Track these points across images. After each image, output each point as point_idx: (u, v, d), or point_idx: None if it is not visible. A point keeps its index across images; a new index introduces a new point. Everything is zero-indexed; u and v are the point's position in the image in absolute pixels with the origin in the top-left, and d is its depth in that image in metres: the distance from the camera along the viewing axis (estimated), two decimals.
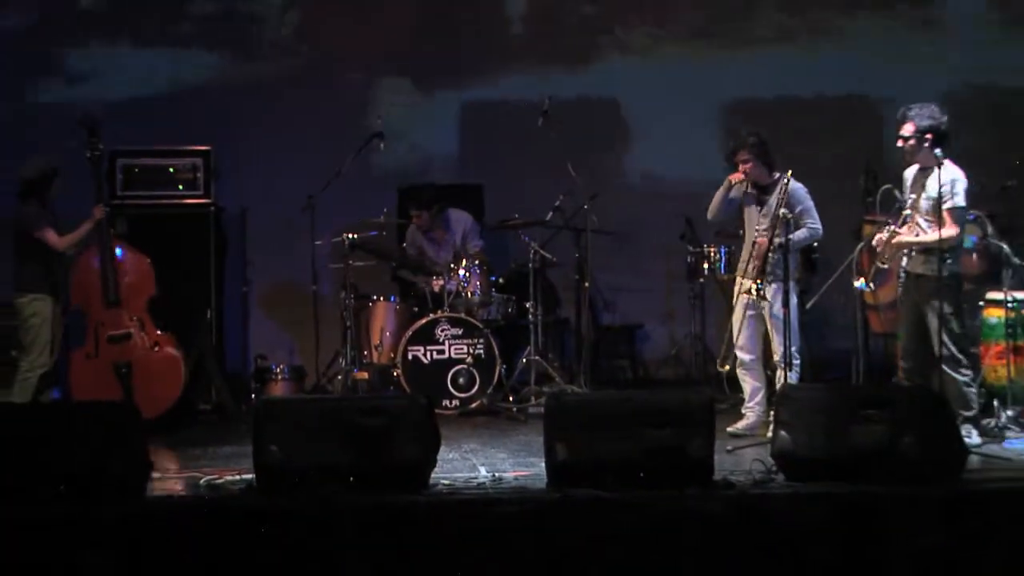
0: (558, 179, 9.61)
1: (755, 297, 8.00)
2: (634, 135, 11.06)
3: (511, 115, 10.62)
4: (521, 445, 7.84)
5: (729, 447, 7.43)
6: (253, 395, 9.63)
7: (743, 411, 8.31)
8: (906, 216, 7.73)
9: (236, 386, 9.97)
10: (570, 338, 10.74)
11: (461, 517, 5.96)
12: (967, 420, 7.46)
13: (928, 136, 7.62)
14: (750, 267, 8.18)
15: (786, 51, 10.96)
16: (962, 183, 7.56)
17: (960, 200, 7.54)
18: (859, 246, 8.12)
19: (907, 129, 7.69)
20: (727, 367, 8.39)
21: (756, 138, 8.20)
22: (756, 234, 8.18)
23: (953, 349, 7.60)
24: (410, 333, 9.38)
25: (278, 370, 9.75)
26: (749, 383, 8.31)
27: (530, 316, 9.60)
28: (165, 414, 8.63)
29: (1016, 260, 8.41)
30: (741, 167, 8.22)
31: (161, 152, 10.01)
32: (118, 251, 8.86)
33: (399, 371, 9.34)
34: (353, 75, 11.02)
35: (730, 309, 8.49)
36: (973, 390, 7.81)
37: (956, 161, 7.61)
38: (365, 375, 9.54)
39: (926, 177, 7.67)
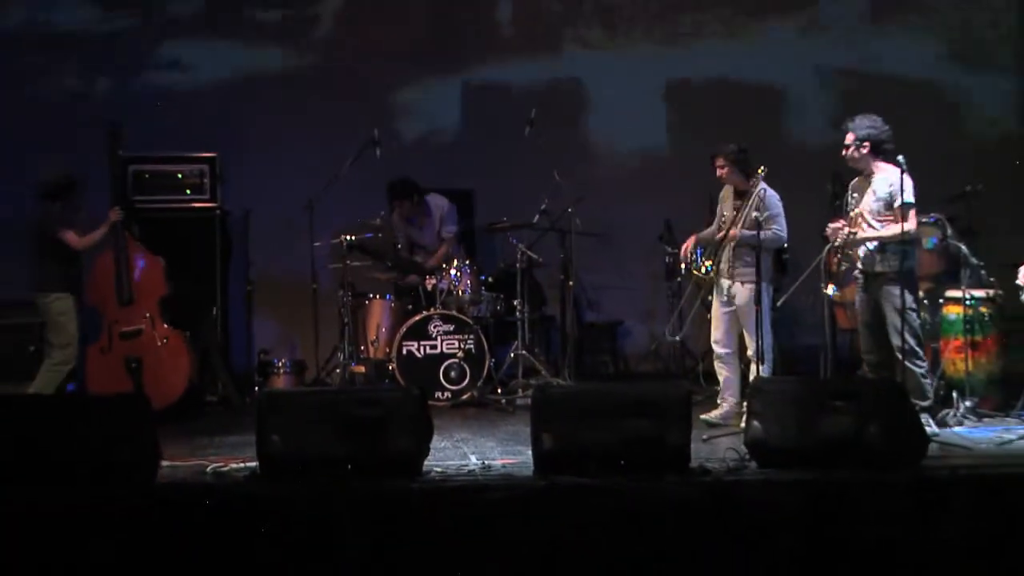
0: (544, 184, 9.63)
1: (700, 275, 8.20)
2: (593, 110, 11.19)
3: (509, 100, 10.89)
4: (509, 435, 7.83)
5: (705, 436, 7.43)
6: (256, 388, 9.60)
7: (719, 400, 8.34)
8: (855, 218, 7.81)
9: (240, 379, 9.96)
10: (555, 334, 10.74)
11: (453, 503, 5.96)
12: (923, 410, 7.49)
13: (866, 144, 7.77)
14: (723, 265, 8.23)
15: (710, 44, 11.20)
16: (907, 182, 7.63)
17: (909, 196, 7.61)
18: (826, 247, 8.14)
19: (848, 138, 7.84)
20: (677, 337, 8.47)
21: (735, 147, 8.24)
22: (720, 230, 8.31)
23: (912, 342, 7.63)
24: (404, 329, 9.38)
25: (280, 364, 9.73)
26: (724, 375, 8.34)
27: (518, 313, 9.60)
28: (174, 405, 8.63)
29: (974, 260, 8.44)
30: (718, 171, 8.27)
31: (170, 159, 9.99)
32: (135, 252, 8.87)
33: (394, 365, 9.33)
34: (353, 84, 11.01)
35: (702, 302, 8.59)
36: (928, 381, 7.85)
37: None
38: (362, 369, 9.53)
39: (869, 181, 7.80)
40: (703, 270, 8.29)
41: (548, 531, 5.82)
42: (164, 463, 6.39)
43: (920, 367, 7.73)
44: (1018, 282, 7.77)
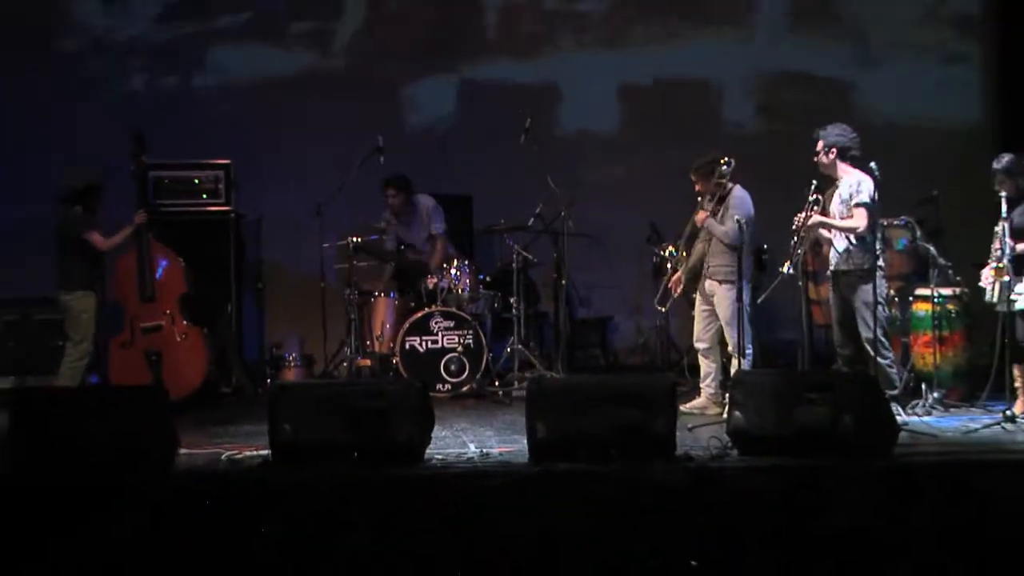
0: (539, 190, 9.64)
1: (664, 255, 8.55)
2: (564, 103, 11.24)
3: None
4: (506, 424, 7.82)
5: (690, 425, 7.41)
6: (268, 380, 9.61)
7: (701, 389, 8.41)
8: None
9: (253, 372, 9.96)
10: (549, 329, 10.74)
11: (453, 488, 5.96)
12: (892, 399, 7.49)
13: (833, 150, 7.85)
14: (705, 266, 8.28)
15: (656, 48, 11.34)
16: (867, 183, 7.71)
17: (864, 197, 7.68)
18: (792, 240, 8.14)
19: (818, 145, 7.92)
20: (665, 308, 8.74)
21: (701, 161, 8.26)
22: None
23: (879, 334, 7.65)
24: (407, 325, 9.37)
25: (290, 358, 9.76)
26: (704, 367, 8.40)
27: (514, 310, 9.59)
28: (191, 396, 8.63)
29: (941, 260, 8.45)
30: (696, 188, 8.31)
31: (187, 165, 9.96)
32: (158, 253, 8.89)
33: (398, 359, 9.32)
34: (358, 94, 11.00)
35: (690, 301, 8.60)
36: (895, 371, 7.86)
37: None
38: (367, 362, 9.53)
39: (835, 184, 7.89)
40: (667, 252, 8.49)
41: (543, 514, 5.82)
42: (182, 450, 6.40)
43: (887, 357, 7.77)
44: (981, 283, 7.79)
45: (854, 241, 7.76)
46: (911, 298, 8.58)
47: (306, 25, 11.19)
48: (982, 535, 5.80)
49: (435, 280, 9.62)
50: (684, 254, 8.43)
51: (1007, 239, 7.51)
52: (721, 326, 8.27)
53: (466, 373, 9.35)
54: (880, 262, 7.76)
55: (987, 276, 7.69)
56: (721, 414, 7.65)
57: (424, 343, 9.38)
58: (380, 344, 9.60)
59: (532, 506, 5.85)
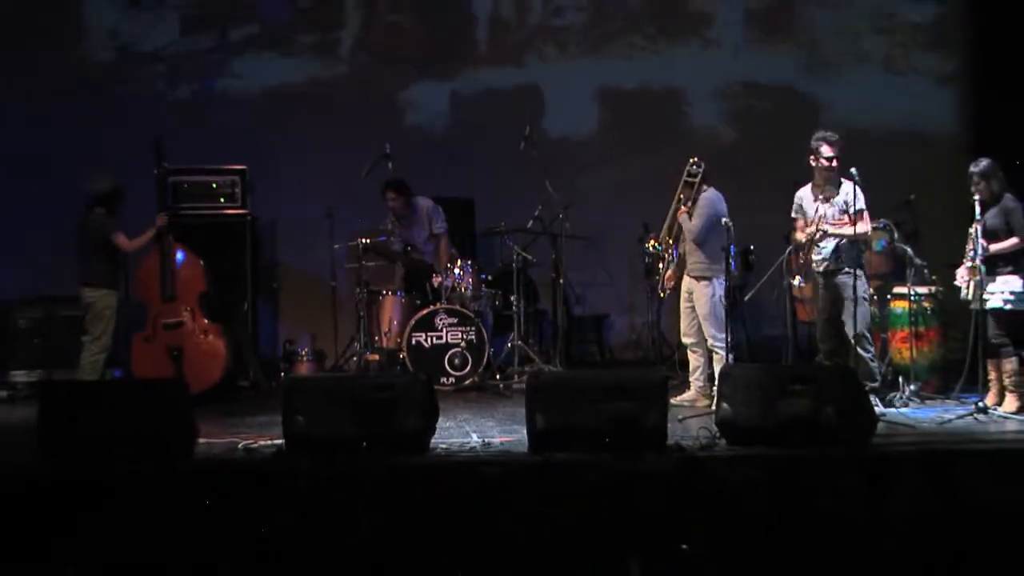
0: (537, 192, 9.65)
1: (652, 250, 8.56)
2: (548, 107, 11.21)
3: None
4: (507, 416, 7.82)
5: (680, 417, 7.43)
6: (282, 374, 9.61)
7: (690, 382, 8.42)
8: (818, 221, 7.87)
9: (268, 367, 9.97)
10: (547, 326, 10.73)
11: (456, 476, 5.96)
12: (872, 391, 7.50)
13: (836, 159, 7.85)
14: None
15: (633, 58, 11.39)
16: (857, 189, 7.69)
17: (862, 203, 7.68)
18: (788, 249, 8.16)
19: (827, 151, 7.85)
20: (664, 294, 8.71)
21: (686, 170, 8.27)
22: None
23: (863, 329, 7.66)
24: (413, 322, 9.37)
25: (303, 353, 9.75)
26: (692, 361, 8.40)
27: (514, 308, 9.59)
28: (210, 390, 8.62)
29: (918, 261, 8.46)
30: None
31: (205, 170, 9.95)
32: (179, 254, 8.89)
33: (404, 354, 9.33)
34: (365, 101, 11.01)
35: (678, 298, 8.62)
36: (876, 365, 7.88)
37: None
38: (376, 357, 9.53)
39: (828, 190, 7.87)
40: (652, 246, 8.51)
41: (540, 500, 5.83)
42: (201, 440, 6.41)
43: (869, 351, 7.79)
44: (956, 282, 7.80)
45: (845, 241, 7.76)
46: (889, 296, 8.60)
47: (312, 36, 11.19)
48: (955, 518, 5.82)
49: (440, 279, 9.63)
50: (670, 241, 8.41)
51: (980, 240, 7.51)
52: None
53: (469, 367, 9.35)
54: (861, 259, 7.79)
55: (962, 275, 7.70)
56: (710, 406, 7.65)
57: (429, 339, 9.38)
58: (388, 340, 9.60)
59: (531, 493, 5.86)
